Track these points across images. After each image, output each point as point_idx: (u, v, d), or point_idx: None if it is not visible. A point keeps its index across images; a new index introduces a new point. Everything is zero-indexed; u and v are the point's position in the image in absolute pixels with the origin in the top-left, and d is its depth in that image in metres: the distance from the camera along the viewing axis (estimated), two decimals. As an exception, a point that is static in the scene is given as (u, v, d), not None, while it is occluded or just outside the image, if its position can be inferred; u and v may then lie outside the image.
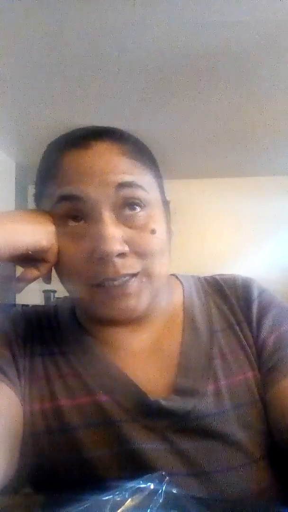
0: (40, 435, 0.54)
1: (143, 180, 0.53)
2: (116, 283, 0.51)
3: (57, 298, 3.06)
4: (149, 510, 0.32)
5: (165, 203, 0.59)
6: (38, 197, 0.58)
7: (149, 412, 0.52)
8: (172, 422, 0.52)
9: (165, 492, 0.34)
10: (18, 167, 3.36)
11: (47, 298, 3.16)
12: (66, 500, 0.33)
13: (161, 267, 0.54)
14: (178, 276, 0.66)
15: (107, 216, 0.50)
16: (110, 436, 0.52)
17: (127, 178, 0.51)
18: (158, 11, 1.71)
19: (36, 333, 0.61)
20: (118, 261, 0.50)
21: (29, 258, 0.53)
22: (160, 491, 0.34)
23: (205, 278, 0.66)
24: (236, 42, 1.92)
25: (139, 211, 0.52)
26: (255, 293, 0.61)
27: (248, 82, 2.27)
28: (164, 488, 0.34)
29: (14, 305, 2.54)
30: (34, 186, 0.60)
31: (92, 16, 1.73)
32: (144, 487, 0.34)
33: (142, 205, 0.53)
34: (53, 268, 0.55)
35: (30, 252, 0.51)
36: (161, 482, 0.34)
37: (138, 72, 2.15)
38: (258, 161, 3.47)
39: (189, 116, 2.67)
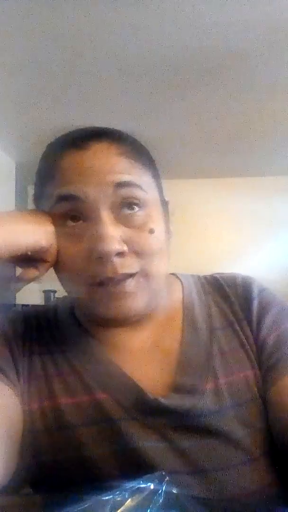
0: (39, 434, 0.54)
1: (141, 179, 0.53)
2: (114, 283, 0.51)
3: (57, 298, 3.07)
4: (149, 510, 0.32)
5: (164, 203, 0.59)
6: (37, 198, 0.58)
7: (148, 410, 0.52)
8: (172, 420, 0.52)
9: (165, 492, 0.34)
10: (18, 167, 3.36)
11: (47, 298, 3.17)
12: (66, 500, 0.33)
13: (160, 266, 0.55)
14: (178, 275, 0.66)
15: (106, 215, 0.51)
16: (110, 435, 0.52)
17: (125, 177, 0.52)
18: (158, 11, 1.71)
19: (36, 332, 0.61)
20: (116, 260, 0.50)
21: (29, 258, 0.53)
22: (160, 491, 0.33)
23: (205, 277, 0.67)
24: (236, 42, 1.92)
25: (138, 211, 0.53)
26: (255, 292, 0.61)
27: (248, 82, 2.27)
28: (164, 488, 0.34)
29: (14, 305, 2.54)
30: (33, 186, 0.60)
31: (92, 16, 1.73)
32: (144, 487, 0.34)
33: (141, 204, 0.53)
34: (52, 268, 0.55)
35: (29, 252, 0.52)
36: (161, 482, 0.34)
37: (138, 72, 2.15)
38: (258, 161, 3.47)
39: (189, 116, 2.67)
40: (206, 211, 3.63)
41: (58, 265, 0.54)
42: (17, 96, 2.39)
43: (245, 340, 0.57)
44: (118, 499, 0.33)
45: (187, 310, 0.61)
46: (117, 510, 0.32)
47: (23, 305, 2.34)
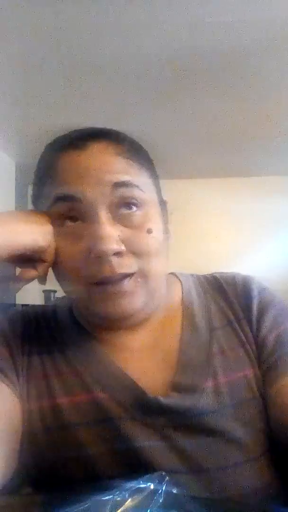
0: (39, 433, 0.54)
1: (139, 179, 0.53)
2: (112, 282, 0.51)
3: (57, 298, 3.06)
4: (149, 510, 0.32)
5: (162, 203, 0.60)
6: (36, 198, 0.58)
7: (148, 409, 0.52)
8: (171, 419, 0.52)
9: (165, 492, 0.34)
10: (18, 167, 3.36)
11: (47, 298, 3.16)
12: (66, 500, 0.33)
13: (158, 266, 0.55)
14: (177, 275, 0.66)
15: (104, 215, 0.51)
16: (109, 434, 0.52)
17: (123, 177, 0.52)
18: (158, 11, 1.71)
19: (35, 332, 0.61)
20: (114, 260, 0.50)
21: (27, 258, 0.53)
22: (160, 491, 0.34)
23: (205, 277, 0.67)
24: (236, 42, 1.92)
25: (136, 211, 0.53)
26: (255, 291, 0.61)
27: (248, 82, 2.27)
28: (164, 488, 0.34)
29: (14, 305, 2.54)
30: (32, 186, 0.60)
31: (92, 16, 1.73)
32: (144, 487, 0.34)
33: (139, 204, 0.53)
34: (50, 269, 0.55)
35: (28, 252, 0.52)
36: (161, 482, 0.34)
37: (138, 72, 2.15)
38: (258, 161, 3.47)
39: (189, 116, 2.67)
40: (206, 211, 3.62)
41: (56, 265, 0.54)
42: (17, 96, 2.39)
43: (245, 339, 0.57)
44: (118, 499, 0.33)
45: (187, 309, 0.61)
46: (117, 510, 0.32)
47: (23, 305, 2.33)
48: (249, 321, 0.58)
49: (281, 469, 0.54)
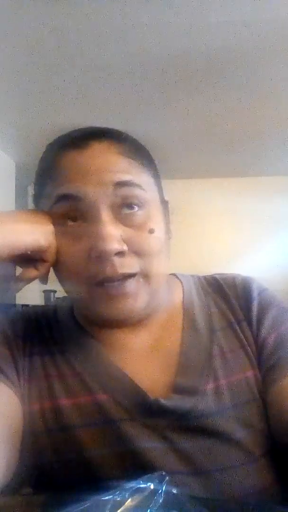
0: (40, 434, 0.54)
1: (141, 179, 0.53)
2: (114, 283, 0.51)
3: (57, 298, 3.06)
4: (149, 510, 0.32)
5: (164, 203, 0.59)
6: (37, 198, 0.58)
7: (149, 411, 0.52)
8: (172, 421, 0.52)
9: (165, 492, 0.34)
10: (18, 167, 3.36)
11: (47, 298, 3.16)
12: (66, 500, 0.33)
13: (160, 267, 0.54)
14: (178, 276, 0.66)
15: (105, 215, 0.50)
16: (110, 436, 0.52)
17: (125, 177, 0.51)
18: (158, 11, 1.71)
19: (36, 333, 0.61)
20: (116, 260, 0.50)
21: (28, 258, 0.53)
22: (160, 491, 0.33)
23: (205, 278, 0.67)
24: (236, 42, 1.92)
25: (137, 210, 0.53)
26: (255, 293, 0.61)
27: (248, 82, 2.27)
28: (164, 488, 0.34)
29: (14, 305, 2.54)
30: (33, 186, 0.60)
31: (93, 16, 1.73)
32: (144, 487, 0.34)
33: (140, 204, 0.53)
34: (51, 268, 0.55)
35: (29, 252, 0.52)
36: (161, 482, 0.34)
37: (138, 72, 2.15)
38: (258, 161, 3.47)
39: (189, 116, 2.67)
40: (206, 211, 3.63)
41: (57, 265, 0.54)
42: (17, 96, 2.39)
43: (245, 341, 0.57)
44: (118, 499, 0.33)
45: (187, 310, 0.61)
46: (117, 510, 0.32)
47: (23, 305, 2.34)
48: (249, 323, 0.58)
49: (281, 470, 0.54)
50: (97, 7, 1.67)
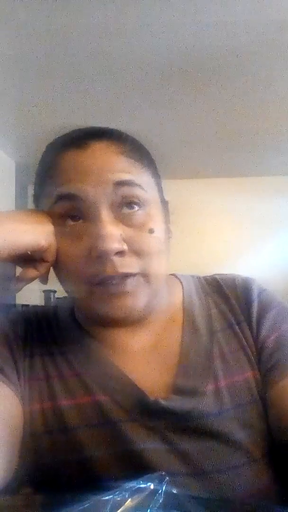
0: (39, 435, 0.54)
1: (141, 179, 0.53)
2: (114, 282, 0.51)
3: (57, 298, 3.06)
4: (149, 510, 0.32)
5: (164, 203, 0.59)
6: (37, 197, 0.58)
7: (148, 412, 0.52)
8: (172, 422, 0.52)
9: (165, 492, 0.34)
10: (18, 167, 3.36)
11: (47, 298, 3.16)
12: (66, 500, 0.33)
13: (159, 267, 0.54)
14: (178, 276, 0.66)
15: (105, 214, 0.50)
16: (110, 436, 0.52)
17: (125, 176, 0.51)
18: (158, 11, 1.71)
19: (36, 333, 0.61)
20: (116, 259, 0.50)
21: (28, 258, 0.53)
22: (160, 491, 0.33)
23: (205, 278, 0.66)
24: (236, 42, 1.92)
25: (137, 210, 0.53)
26: (255, 293, 0.61)
27: (248, 82, 2.27)
28: (164, 488, 0.34)
29: (14, 305, 2.54)
30: (33, 186, 0.60)
31: (92, 16, 1.73)
32: (144, 487, 0.34)
33: (141, 204, 0.53)
34: (51, 268, 0.55)
35: (29, 252, 0.52)
36: (161, 482, 0.34)
37: (138, 72, 2.15)
38: (258, 161, 3.47)
39: (189, 116, 2.67)
40: (206, 211, 3.63)
41: (57, 265, 0.54)
42: (17, 96, 2.39)
43: (245, 342, 0.57)
44: (118, 499, 0.33)
45: (187, 311, 0.61)
46: (117, 510, 0.32)
47: (23, 305, 2.34)
48: (249, 324, 0.58)
49: (281, 471, 0.54)
50: (97, 7, 1.67)
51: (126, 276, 0.51)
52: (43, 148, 0.59)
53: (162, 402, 0.52)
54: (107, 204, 0.51)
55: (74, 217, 0.52)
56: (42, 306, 0.70)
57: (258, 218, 3.63)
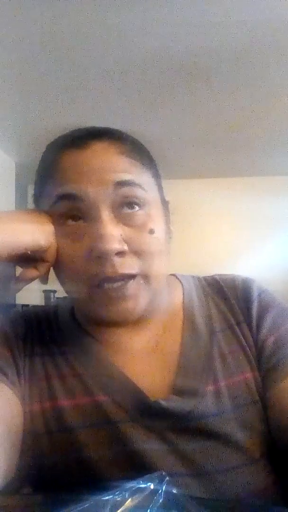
0: (40, 435, 0.54)
1: (141, 179, 0.53)
2: (114, 285, 0.51)
3: (57, 298, 3.06)
4: (149, 510, 0.32)
5: (164, 203, 0.59)
6: (37, 197, 0.58)
7: (149, 412, 0.52)
8: (172, 422, 0.52)
9: (165, 492, 0.34)
10: (18, 167, 3.36)
11: (47, 298, 3.16)
12: (66, 500, 0.33)
13: (160, 267, 0.54)
14: (178, 276, 0.66)
15: (106, 214, 0.50)
16: (110, 437, 0.52)
17: (126, 176, 0.51)
18: (158, 11, 1.71)
19: (36, 333, 0.61)
20: (116, 260, 0.50)
21: (28, 258, 0.53)
22: (160, 491, 0.33)
23: (205, 278, 0.66)
24: (236, 42, 1.92)
25: (138, 210, 0.52)
26: (255, 294, 0.60)
27: (248, 82, 2.27)
28: (164, 488, 0.34)
29: (14, 305, 2.54)
30: (33, 186, 0.60)
31: (92, 16, 1.73)
32: (144, 487, 0.34)
33: (141, 204, 0.53)
34: (51, 268, 0.55)
35: (29, 252, 0.51)
36: (161, 482, 0.34)
37: (138, 72, 2.15)
38: (258, 161, 3.47)
39: (189, 116, 2.67)
40: (206, 211, 3.63)
41: (58, 265, 0.54)
42: (17, 96, 2.39)
43: (245, 343, 0.57)
44: (118, 499, 0.33)
45: (188, 312, 0.61)
46: (117, 510, 0.32)
47: (23, 305, 2.34)
48: (249, 324, 0.58)
49: (280, 471, 0.54)
50: (97, 7, 1.67)
51: (126, 278, 0.51)
52: (43, 148, 0.59)
53: (162, 402, 0.52)
54: (108, 204, 0.51)
55: (74, 217, 0.52)
56: (42, 306, 0.70)
57: (258, 218, 3.63)
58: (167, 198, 0.61)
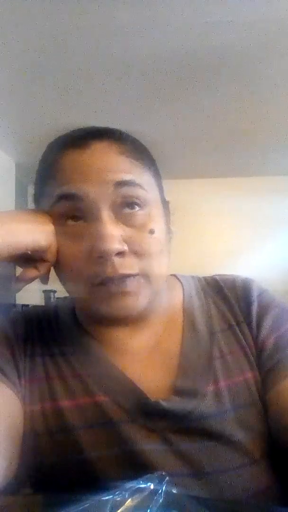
0: (40, 435, 0.54)
1: (142, 179, 0.53)
2: (115, 282, 0.51)
3: (57, 298, 3.06)
4: (149, 510, 0.32)
5: (164, 203, 0.59)
6: (37, 197, 0.58)
7: (149, 413, 0.52)
8: (172, 423, 0.52)
9: (165, 492, 0.34)
10: (18, 167, 3.36)
11: (47, 298, 3.16)
12: (66, 500, 0.33)
13: (160, 267, 0.54)
14: (178, 277, 0.66)
15: (106, 214, 0.50)
16: (110, 437, 0.52)
17: (126, 176, 0.51)
18: (158, 11, 1.71)
19: (36, 333, 0.61)
20: (117, 260, 0.50)
21: (29, 258, 0.53)
22: (160, 491, 0.33)
23: (205, 279, 0.66)
24: (236, 42, 1.92)
25: (138, 210, 0.52)
26: (255, 294, 0.60)
27: (248, 82, 2.27)
28: (164, 488, 0.34)
29: (14, 305, 2.54)
30: (33, 186, 0.60)
31: (91, 16, 1.73)
32: (144, 487, 0.34)
33: (141, 204, 0.53)
34: (52, 268, 0.55)
35: (29, 252, 0.51)
36: (161, 482, 0.34)
37: (138, 72, 2.15)
38: (259, 161, 3.47)
39: (189, 116, 2.67)
40: (206, 211, 3.63)
41: (58, 265, 0.54)
42: (17, 97, 2.39)
43: (245, 343, 0.57)
44: (118, 499, 0.33)
45: (188, 312, 0.61)
46: (117, 510, 0.32)
47: (23, 305, 2.34)
48: (249, 325, 0.58)
49: (281, 472, 0.54)
50: (97, 7, 1.67)
51: (126, 277, 0.51)
52: (43, 148, 0.59)
53: (163, 403, 0.52)
54: (108, 204, 0.51)
55: (74, 217, 0.52)
56: (42, 306, 0.70)
57: (258, 218, 3.63)
58: (167, 198, 0.61)
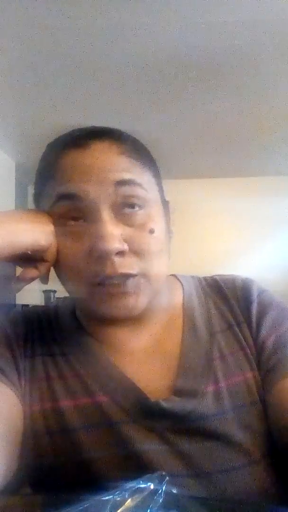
0: (40, 436, 0.54)
1: (142, 178, 0.53)
2: (115, 282, 0.51)
3: (57, 298, 3.06)
4: (149, 510, 0.32)
5: (164, 203, 0.59)
6: (38, 197, 0.58)
7: (149, 413, 0.52)
8: (172, 423, 0.52)
9: (165, 492, 0.33)
10: (18, 167, 3.36)
11: (47, 298, 3.16)
12: (66, 500, 0.33)
13: (160, 267, 0.54)
14: (178, 277, 0.66)
15: (106, 214, 0.50)
16: (110, 437, 0.52)
17: (126, 176, 0.51)
18: (159, 11, 1.71)
19: (36, 333, 0.61)
20: (116, 259, 0.50)
21: (29, 258, 0.53)
22: (160, 491, 0.33)
23: (205, 279, 0.66)
24: (237, 42, 1.92)
25: (138, 210, 0.52)
26: (255, 294, 0.61)
27: (248, 82, 2.28)
28: (164, 488, 0.34)
29: (14, 305, 2.54)
30: (33, 186, 0.60)
31: (92, 16, 1.73)
32: (144, 487, 0.34)
33: (141, 204, 0.53)
34: (52, 268, 0.55)
35: (29, 252, 0.51)
36: (161, 482, 0.34)
37: (138, 72, 2.15)
38: (258, 161, 3.47)
39: (188, 116, 2.67)
40: (206, 211, 3.63)
41: (58, 265, 0.54)
42: (17, 96, 2.39)
43: (244, 343, 0.57)
44: (118, 499, 0.33)
45: (188, 312, 0.61)
46: (117, 510, 0.32)
47: (23, 305, 2.34)
48: (249, 325, 0.58)
49: (281, 472, 0.54)
50: (97, 7, 1.67)
51: (126, 276, 0.51)
52: (43, 148, 0.59)
53: (163, 403, 0.52)
54: (108, 204, 0.51)
55: (74, 217, 0.52)
56: (42, 306, 0.70)
57: (258, 218, 3.63)
58: (167, 198, 0.61)
